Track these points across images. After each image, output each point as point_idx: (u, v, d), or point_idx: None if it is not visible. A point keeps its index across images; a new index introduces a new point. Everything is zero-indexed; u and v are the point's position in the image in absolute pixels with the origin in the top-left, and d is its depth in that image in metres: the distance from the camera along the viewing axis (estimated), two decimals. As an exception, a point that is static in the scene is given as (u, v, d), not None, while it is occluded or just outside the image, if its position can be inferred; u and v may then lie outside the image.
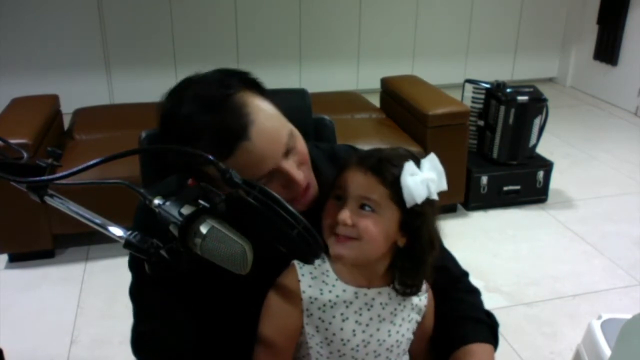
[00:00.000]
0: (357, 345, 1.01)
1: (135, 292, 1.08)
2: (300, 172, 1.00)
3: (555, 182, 3.30)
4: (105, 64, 4.46)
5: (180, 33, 4.47)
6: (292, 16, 4.71)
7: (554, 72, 5.53)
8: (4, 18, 4.15)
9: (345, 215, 0.95)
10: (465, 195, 3.14)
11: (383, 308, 1.02)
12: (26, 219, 2.56)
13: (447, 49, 5.14)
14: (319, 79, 4.79)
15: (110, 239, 0.79)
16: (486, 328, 1.11)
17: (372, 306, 1.02)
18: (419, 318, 1.08)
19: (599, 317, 1.64)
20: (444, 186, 0.98)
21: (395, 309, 1.03)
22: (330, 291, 1.00)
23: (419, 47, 5.07)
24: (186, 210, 0.75)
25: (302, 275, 1.01)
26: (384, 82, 3.44)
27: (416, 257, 0.99)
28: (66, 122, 3.12)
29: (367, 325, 1.01)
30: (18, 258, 2.68)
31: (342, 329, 1.00)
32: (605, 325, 1.60)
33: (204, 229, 0.74)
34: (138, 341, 1.07)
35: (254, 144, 0.92)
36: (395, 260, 1.01)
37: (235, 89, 0.96)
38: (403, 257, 1.00)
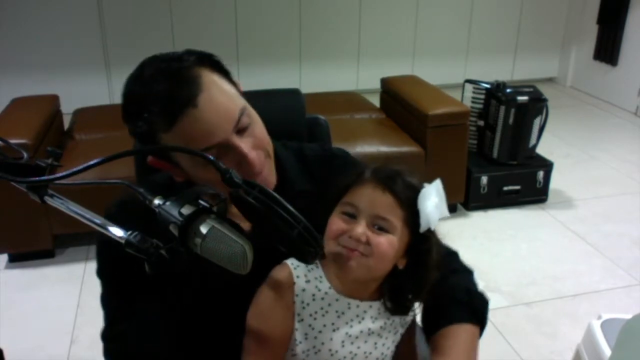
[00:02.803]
0: (345, 357, 0.99)
1: (107, 299, 1.07)
2: (253, 152, 0.98)
3: (555, 182, 3.30)
4: (105, 64, 4.46)
5: (180, 33, 4.47)
6: (292, 16, 4.71)
7: (554, 72, 5.53)
8: (4, 18, 4.15)
9: (360, 230, 0.93)
10: (465, 195, 3.14)
11: (373, 322, 1.01)
12: (26, 219, 2.56)
13: (447, 49, 5.14)
14: (319, 79, 4.79)
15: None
16: (464, 308, 1.07)
17: (363, 319, 1.00)
18: (403, 331, 1.06)
19: (599, 317, 1.64)
20: (446, 213, 0.96)
21: (385, 323, 1.02)
22: (322, 298, 0.98)
23: (419, 47, 5.07)
24: (186, 210, 0.75)
25: (297, 277, 0.99)
26: (384, 82, 3.44)
27: (418, 280, 0.99)
28: (66, 122, 3.11)
29: (356, 337, 1.00)
30: (18, 258, 2.68)
31: (331, 339, 0.98)
32: (605, 325, 1.60)
33: (204, 229, 0.74)
34: (109, 348, 1.06)
35: (201, 112, 0.92)
36: (389, 279, 1.00)
37: (192, 64, 0.97)
38: (402, 279, 0.99)
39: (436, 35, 5.07)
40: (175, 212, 0.74)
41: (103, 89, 4.49)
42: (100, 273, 1.07)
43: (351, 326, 0.99)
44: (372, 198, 0.94)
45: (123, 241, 0.76)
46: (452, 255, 1.18)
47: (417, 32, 5.02)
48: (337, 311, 0.99)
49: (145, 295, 1.01)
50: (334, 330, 0.98)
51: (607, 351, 1.52)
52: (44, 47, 4.28)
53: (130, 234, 0.76)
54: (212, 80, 0.96)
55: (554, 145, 3.93)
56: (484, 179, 3.14)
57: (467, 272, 1.15)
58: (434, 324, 1.06)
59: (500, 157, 3.18)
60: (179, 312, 1.04)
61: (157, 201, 0.77)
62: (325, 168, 1.15)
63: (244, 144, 0.97)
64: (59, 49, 4.32)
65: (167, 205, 0.75)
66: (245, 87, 1.08)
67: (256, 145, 1.00)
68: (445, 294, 1.08)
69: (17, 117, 2.69)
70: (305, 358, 0.99)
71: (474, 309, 1.07)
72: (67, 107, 3.20)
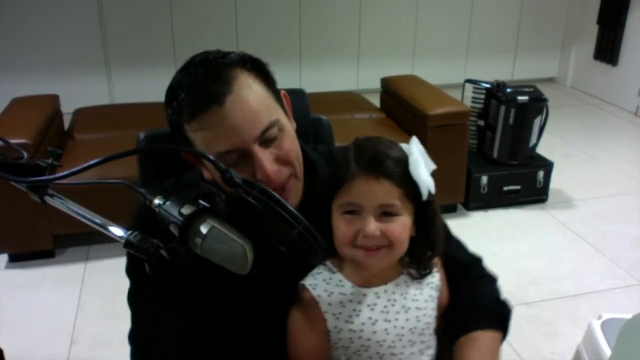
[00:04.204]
0: (393, 342, 1.00)
1: (135, 298, 1.07)
2: (275, 166, 0.96)
3: (555, 182, 3.30)
4: (105, 64, 4.46)
5: (181, 33, 4.47)
6: (292, 16, 4.71)
7: (554, 72, 5.53)
8: (4, 18, 4.15)
9: (372, 227, 0.92)
10: (466, 195, 3.14)
11: (405, 298, 1.01)
12: (26, 219, 2.56)
13: (447, 49, 5.14)
14: (319, 79, 4.79)
15: (110, 239, 0.79)
16: (491, 315, 1.09)
17: (395, 300, 1.01)
18: (437, 294, 1.06)
19: (599, 317, 1.63)
20: (432, 166, 0.96)
21: (416, 295, 1.03)
22: (350, 300, 0.99)
23: (419, 47, 5.07)
24: (186, 210, 0.74)
25: (319, 295, 0.99)
26: (384, 82, 3.44)
27: (431, 242, 1.00)
28: (66, 122, 3.12)
29: (396, 319, 1.00)
30: (18, 258, 2.68)
31: (374, 332, 0.99)
32: (605, 325, 1.60)
33: (204, 229, 0.73)
34: (138, 352, 1.06)
35: (226, 112, 0.91)
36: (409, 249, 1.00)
37: (235, 62, 0.96)
38: (418, 245, 0.99)
39: (436, 35, 5.07)
40: (175, 212, 0.74)
41: (103, 89, 4.49)
42: (130, 272, 1.06)
43: (388, 312, 1.00)
44: (369, 190, 0.93)
45: (123, 241, 0.76)
46: (477, 261, 1.19)
47: (417, 32, 5.02)
48: (368, 305, 0.99)
49: (171, 300, 1.01)
50: (373, 324, 0.99)
51: (607, 351, 1.51)
52: (44, 47, 4.28)
53: (130, 234, 0.76)
54: (247, 85, 0.94)
55: (554, 145, 3.93)
56: (484, 179, 3.14)
57: (492, 280, 1.17)
58: (460, 328, 1.07)
59: (500, 157, 3.18)
60: (202, 315, 1.04)
61: (157, 201, 0.76)
62: None
63: (265, 155, 0.95)
64: (59, 49, 4.32)
65: (167, 205, 0.75)
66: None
67: (280, 160, 0.97)
68: (473, 300, 1.10)
69: (17, 117, 2.69)
70: (358, 358, 1.00)
71: (499, 317, 1.09)
72: (67, 107, 3.20)
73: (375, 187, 0.92)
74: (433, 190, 0.95)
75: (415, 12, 4.95)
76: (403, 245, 0.95)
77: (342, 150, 1.20)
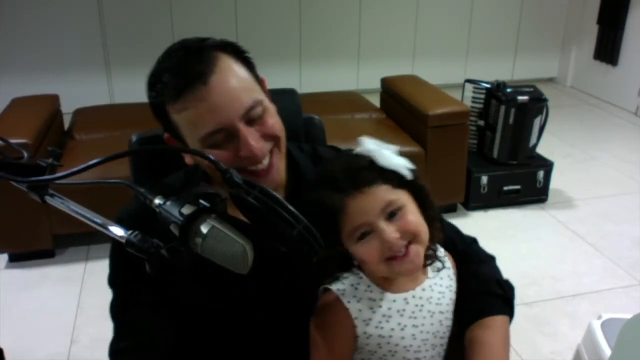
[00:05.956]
0: (419, 347, 1.00)
1: (117, 309, 1.06)
2: (260, 142, 0.97)
3: (555, 182, 3.30)
4: (105, 64, 4.46)
5: (181, 33, 4.46)
6: (292, 16, 4.71)
7: (554, 72, 5.53)
8: (4, 18, 4.15)
9: (390, 231, 0.92)
10: (466, 195, 3.14)
11: (430, 302, 1.02)
12: (26, 219, 2.56)
13: (447, 49, 5.14)
14: (319, 79, 4.79)
15: (110, 239, 0.79)
16: (498, 299, 1.09)
17: (422, 305, 1.01)
18: (455, 296, 1.07)
19: (599, 317, 1.63)
20: (394, 147, 1.01)
21: (439, 299, 1.03)
22: (380, 306, 0.98)
23: (419, 47, 5.07)
24: (187, 209, 0.74)
25: (349, 302, 0.98)
26: (384, 82, 3.44)
27: (432, 215, 1.00)
28: (66, 122, 3.12)
29: (422, 324, 1.01)
30: (18, 258, 2.68)
31: (403, 338, 0.99)
32: (605, 325, 1.60)
33: (204, 229, 0.73)
34: (116, 357, 1.05)
35: (209, 91, 0.93)
36: None
37: (214, 45, 0.98)
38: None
39: (436, 35, 5.07)
40: (175, 212, 0.74)
41: (103, 89, 4.49)
42: (112, 281, 1.06)
43: (416, 317, 1.00)
44: (363, 206, 0.93)
45: (123, 240, 0.76)
46: (474, 243, 1.21)
47: (417, 32, 5.02)
48: (398, 311, 0.99)
49: (154, 308, 1.01)
50: (402, 329, 0.99)
51: (607, 351, 1.51)
52: (44, 47, 4.28)
53: (131, 234, 0.75)
54: (229, 66, 0.96)
55: (554, 145, 3.93)
56: (484, 179, 3.14)
57: (491, 260, 1.18)
58: (469, 317, 1.07)
59: (500, 157, 3.18)
60: (202, 315, 1.04)
61: (157, 201, 0.76)
62: None
63: (249, 132, 0.96)
64: (59, 49, 4.32)
65: (168, 205, 0.75)
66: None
67: (264, 135, 0.99)
68: (477, 286, 1.10)
69: (17, 117, 2.69)
70: None
71: (505, 300, 1.10)
72: (67, 107, 3.20)
73: (366, 200, 0.93)
74: (411, 166, 0.97)
75: (415, 12, 4.95)
76: (424, 229, 0.96)
77: (328, 149, 1.20)
